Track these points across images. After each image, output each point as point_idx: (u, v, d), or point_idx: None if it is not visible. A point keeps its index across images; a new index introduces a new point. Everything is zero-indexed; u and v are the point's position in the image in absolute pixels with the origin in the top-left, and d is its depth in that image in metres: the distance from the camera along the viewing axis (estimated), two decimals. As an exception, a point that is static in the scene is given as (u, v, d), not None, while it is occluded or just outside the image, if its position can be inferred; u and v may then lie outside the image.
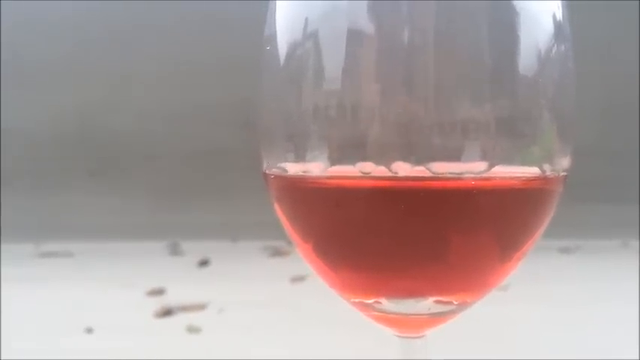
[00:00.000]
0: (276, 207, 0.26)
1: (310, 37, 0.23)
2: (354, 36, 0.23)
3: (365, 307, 0.25)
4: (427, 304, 0.24)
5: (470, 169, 0.22)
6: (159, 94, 1.44)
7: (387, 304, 0.24)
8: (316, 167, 0.23)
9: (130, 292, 0.80)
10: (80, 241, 1.17)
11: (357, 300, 0.25)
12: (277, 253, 1.08)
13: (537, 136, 0.23)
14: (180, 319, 0.68)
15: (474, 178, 0.22)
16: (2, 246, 1.11)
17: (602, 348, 0.57)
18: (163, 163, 1.42)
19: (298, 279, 0.85)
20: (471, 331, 0.47)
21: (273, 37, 0.25)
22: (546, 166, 0.23)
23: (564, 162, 0.24)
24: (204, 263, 1.02)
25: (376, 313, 0.25)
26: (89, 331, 0.63)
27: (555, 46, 0.23)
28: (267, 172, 0.25)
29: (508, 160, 0.22)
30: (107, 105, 1.45)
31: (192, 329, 0.64)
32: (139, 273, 0.94)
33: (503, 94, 0.22)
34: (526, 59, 0.22)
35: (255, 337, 0.61)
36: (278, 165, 0.25)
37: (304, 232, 0.25)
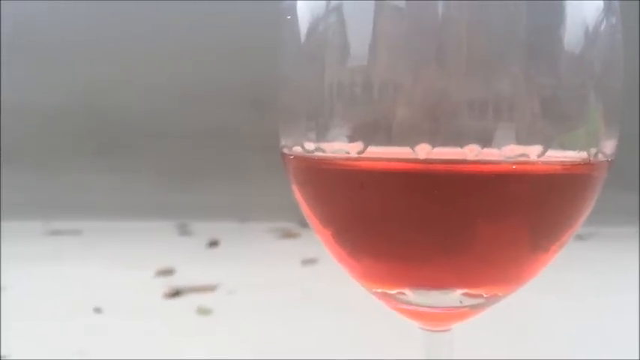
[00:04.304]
0: (295, 189, 0.24)
1: (334, 11, 0.22)
2: (382, 9, 0.21)
3: (388, 298, 0.24)
4: (454, 297, 0.23)
5: (507, 152, 0.20)
6: (169, 72, 1.43)
7: (411, 295, 0.23)
8: (339, 147, 0.22)
9: (138, 271, 0.79)
10: (88, 220, 1.17)
11: (379, 290, 0.24)
12: (288, 234, 1.07)
13: (582, 118, 0.21)
14: (189, 300, 0.67)
15: (511, 163, 0.20)
16: (10, 224, 1.10)
17: (618, 336, 0.55)
18: (173, 142, 1.41)
19: (309, 261, 0.84)
20: (482, 319, 0.46)
21: (292, 8, 0.23)
22: (591, 150, 0.21)
23: (610, 146, 0.22)
24: (213, 244, 1.01)
25: (400, 305, 0.23)
26: (98, 311, 0.63)
27: (605, 20, 0.21)
28: (285, 152, 0.24)
29: (549, 144, 0.20)
30: (117, 83, 1.44)
31: (202, 311, 0.63)
32: (148, 252, 0.94)
33: (546, 72, 0.20)
34: (572, 34, 0.20)
35: (265, 320, 0.60)
36: (298, 145, 0.23)
37: (325, 216, 0.23)
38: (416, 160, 0.20)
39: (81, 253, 0.95)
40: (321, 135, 0.22)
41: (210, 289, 0.71)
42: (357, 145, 0.21)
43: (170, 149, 1.41)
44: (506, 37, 0.21)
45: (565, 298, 0.70)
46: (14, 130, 1.39)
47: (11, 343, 0.52)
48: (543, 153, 0.20)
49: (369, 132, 0.21)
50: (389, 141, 0.21)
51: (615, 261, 0.94)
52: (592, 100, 0.21)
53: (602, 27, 0.21)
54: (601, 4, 0.21)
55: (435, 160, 0.20)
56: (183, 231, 1.14)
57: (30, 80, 1.43)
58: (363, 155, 0.21)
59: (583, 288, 0.75)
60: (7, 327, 0.57)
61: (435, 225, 0.21)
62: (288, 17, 0.23)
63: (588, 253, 1.01)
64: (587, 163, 0.21)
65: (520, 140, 0.20)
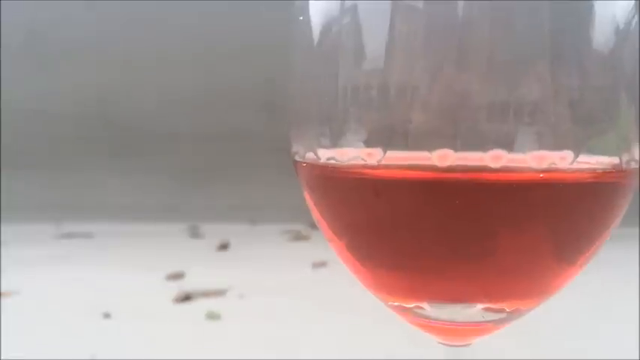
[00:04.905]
0: (307, 197, 0.23)
1: (348, 12, 0.21)
2: (399, 9, 0.20)
3: (405, 312, 0.22)
4: (475, 312, 0.21)
5: (533, 159, 0.19)
6: (181, 75, 1.42)
7: (429, 309, 0.22)
8: (354, 154, 0.20)
9: (149, 275, 0.79)
10: (100, 222, 1.16)
11: (395, 304, 0.23)
12: (298, 237, 1.06)
13: (613, 121, 0.20)
14: (199, 305, 0.66)
15: (538, 171, 0.19)
16: (22, 226, 1.10)
17: (618, 336, 0.54)
18: (184, 145, 1.40)
19: (320, 264, 0.83)
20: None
21: (304, 8, 0.22)
22: (623, 156, 0.20)
23: (640, 151, 0.21)
24: (223, 247, 1.00)
25: (417, 320, 0.22)
26: (107, 316, 0.62)
27: (636, 16, 0.19)
28: (297, 159, 0.23)
29: (579, 149, 0.19)
30: (129, 86, 1.43)
31: (212, 315, 0.62)
32: (159, 255, 0.93)
33: (574, 73, 0.19)
34: (601, 33, 0.19)
35: (275, 324, 0.59)
36: (311, 151, 0.22)
37: (339, 225, 0.22)
38: (436, 168, 0.19)
39: (92, 257, 0.95)
40: (335, 141, 0.21)
41: (220, 293, 0.71)
42: (373, 152, 0.20)
43: (181, 152, 1.40)
44: (532, 38, 0.20)
45: (564, 298, 0.68)
46: (26, 133, 1.40)
47: (20, 346, 0.52)
48: (572, 159, 0.19)
49: (385, 137, 0.20)
50: (406, 147, 0.20)
51: (616, 262, 0.92)
52: (623, 102, 0.20)
53: (633, 25, 0.19)
54: (631, 2, 0.19)
55: (457, 167, 0.19)
56: (194, 233, 1.14)
57: (43, 83, 1.43)
58: (381, 163, 0.20)
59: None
60: (16, 330, 0.56)
61: (457, 236, 0.20)
62: (300, 18, 0.22)
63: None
64: (619, 170, 0.20)
65: (548, 146, 0.19)
